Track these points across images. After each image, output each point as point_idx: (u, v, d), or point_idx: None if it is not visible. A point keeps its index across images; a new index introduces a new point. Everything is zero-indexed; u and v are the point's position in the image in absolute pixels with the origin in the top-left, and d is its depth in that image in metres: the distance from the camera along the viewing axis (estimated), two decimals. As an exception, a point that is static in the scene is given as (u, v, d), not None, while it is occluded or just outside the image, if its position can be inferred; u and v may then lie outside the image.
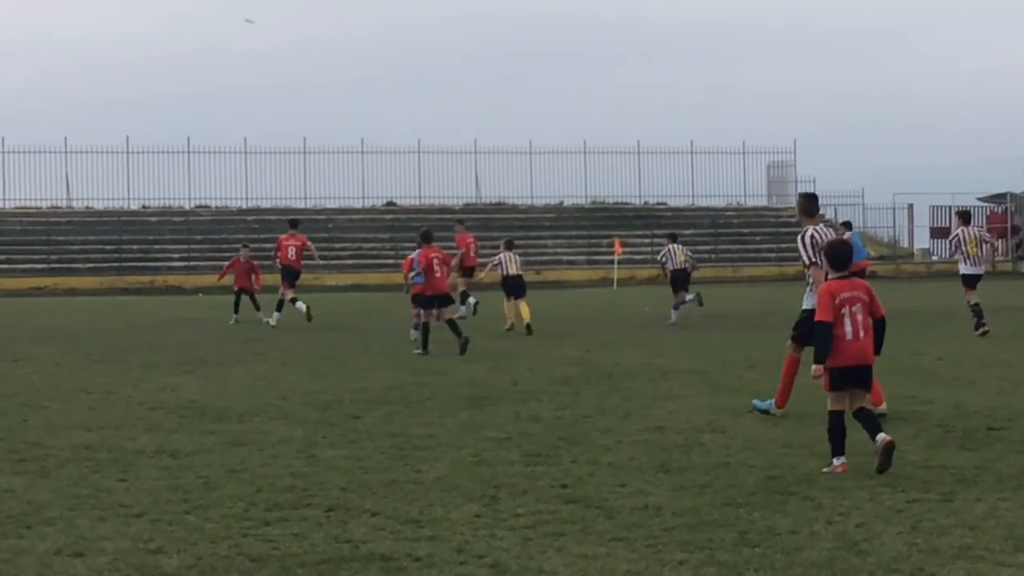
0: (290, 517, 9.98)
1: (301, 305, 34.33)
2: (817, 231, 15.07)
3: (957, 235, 29.56)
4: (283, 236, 37.07)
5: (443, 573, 8.33)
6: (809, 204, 15.73)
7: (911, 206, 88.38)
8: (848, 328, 11.63)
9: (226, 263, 40.38)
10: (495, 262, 35.24)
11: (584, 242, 77.78)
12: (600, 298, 52.72)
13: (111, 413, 16.37)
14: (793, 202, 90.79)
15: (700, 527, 9.40)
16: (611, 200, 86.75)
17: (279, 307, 34.70)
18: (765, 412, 15.31)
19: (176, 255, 74.16)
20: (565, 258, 76.29)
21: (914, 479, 11.07)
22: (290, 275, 35.78)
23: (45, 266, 72.12)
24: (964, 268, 29.24)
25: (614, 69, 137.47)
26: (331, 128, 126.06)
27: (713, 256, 76.95)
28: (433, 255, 25.59)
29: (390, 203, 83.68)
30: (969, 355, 22.40)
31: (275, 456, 12.84)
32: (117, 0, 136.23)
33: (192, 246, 75.25)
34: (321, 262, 45.68)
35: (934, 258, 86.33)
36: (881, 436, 11.38)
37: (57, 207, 79.75)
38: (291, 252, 36.07)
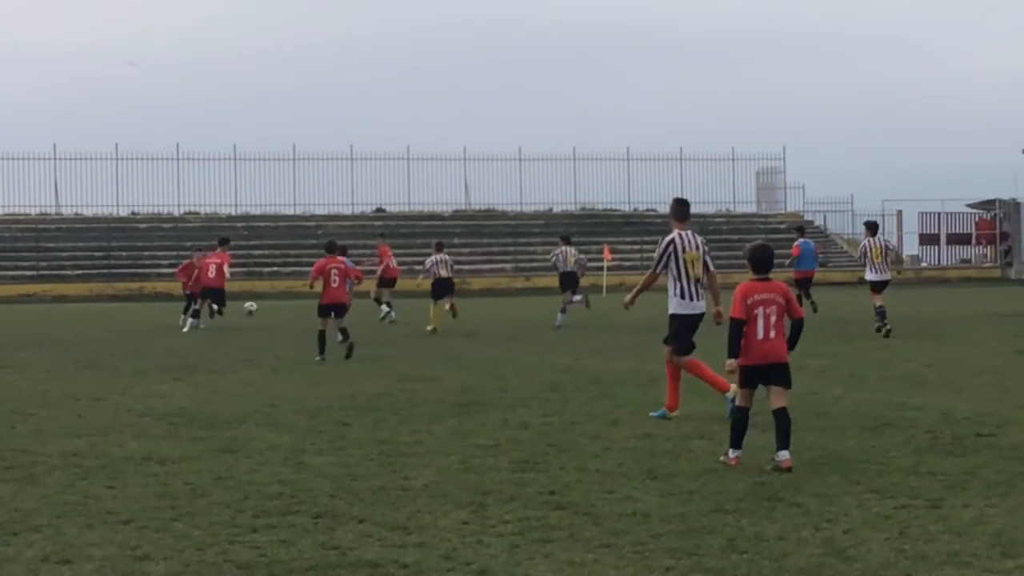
0: (278, 524, 9.96)
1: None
2: (680, 236, 16.09)
3: (864, 244, 32.28)
4: (210, 254, 39.05)
5: (431, 580, 8.32)
6: (680, 209, 16.64)
7: (900, 212, 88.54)
8: (759, 328, 12.18)
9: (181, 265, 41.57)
10: (427, 266, 36.22)
11: (573, 249, 77.77)
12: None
13: (100, 420, 16.34)
14: (783, 209, 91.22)
15: (688, 534, 9.40)
16: (600, 207, 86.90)
17: (194, 312, 37.56)
18: (663, 418, 15.69)
19: (165, 262, 74.04)
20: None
21: (902, 485, 11.08)
22: (208, 294, 37.91)
23: (34, 273, 72.10)
24: (870, 275, 31.79)
25: (603, 76, 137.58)
26: (320, 135, 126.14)
27: (703, 263, 76.81)
28: (331, 265, 26.38)
29: (379, 209, 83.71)
30: (958, 362, 22.43)
31: (263, 463, 12.82)
32: (106, 8, 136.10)
33: (181, 252, 74.99)
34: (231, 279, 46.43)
35: (923, 264, 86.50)
36: (783, 455, 11.90)
37: (46, 214, 79.71)
38: (211, 270, 38.02)
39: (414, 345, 29.01)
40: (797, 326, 12.45)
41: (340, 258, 27.13)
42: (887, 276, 31.78)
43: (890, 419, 15.04)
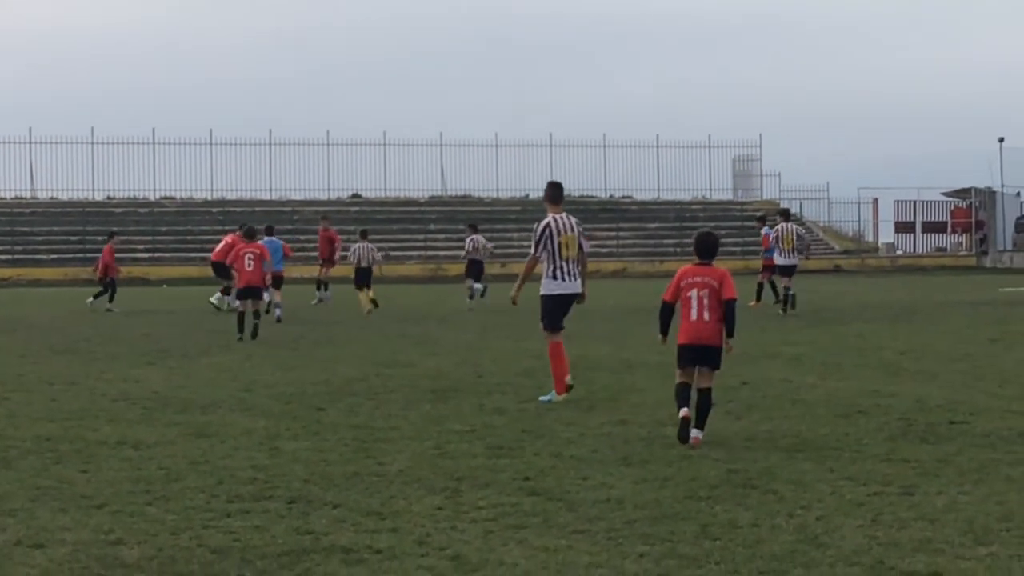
0: (251, 509, 9.95)
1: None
2: (555, 219, 16.36)
3: (778, 230, 34.93)
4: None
5: (404, 565, 8.31)
6: (553, 192, 16.91)
7: (876, 200, 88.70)
8: (692, 310, 12.80)
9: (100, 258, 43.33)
10: (350, 252, 38.51)
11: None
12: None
13: (74, 404, 16.30)
14: (759, 196, 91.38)
15: (662, 520, 9.41)
16: (577, 193, 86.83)
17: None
18: (549, 402, 15.91)
19: (141, 246, 73.91)
20: (531, 251, 76.24)
21: (875, 472, 11.11)
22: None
23: (9, 257, 71.88)
24: (780, 259, 34.52)
25: (580, 63, 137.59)
26: (297, 120, 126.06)
27: (678, 250, 77.03)
28: (247, 250, 27.87)
29: (355, 195, 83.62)
30: (932, 349, 22.48)
31: (237, 448, 12.81)
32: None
33: (157, 237, 75.05)
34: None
35: (898, 252, 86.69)
36: (695, 432, 12.50)
37: (21, 198, 79.43)
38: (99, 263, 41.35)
39: (389, 331, 29.00)
40: (727, 307, 12.80)
41: (259, 243, 28.91)
42: (795, 261, 34.60)
43: (864, 406, 15.07)
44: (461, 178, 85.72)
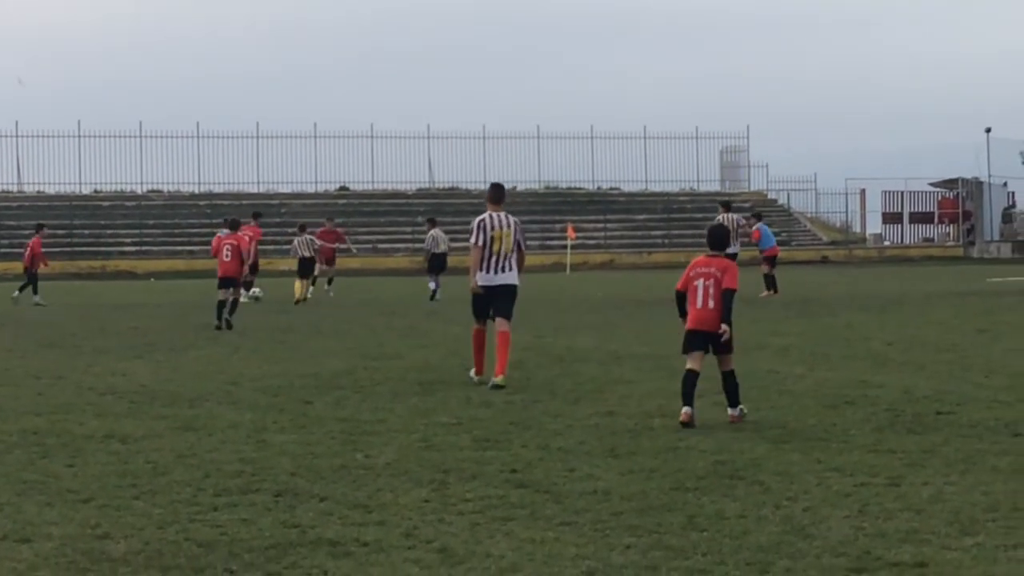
0: (238, 502, 9.94)
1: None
2: (490, 216, 17.38)
3: (718, 220, 34.12)
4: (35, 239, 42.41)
5: (391, 558, 8.31)
6: (494, 193, 18.08)
7: (863, 191, 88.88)
8: (698, 298, 13.50)
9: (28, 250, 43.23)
10: (292, 247, 40.87)
11: (537, 227, 77.78)
12: (553, 283, 52.78)
13: (61, 398, 16.28)
14: (747, 187, 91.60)
15: (648, 511, 9.41)
16: (564, 185, 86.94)
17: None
18: (471, 379, 17.30)
19: (128, 240, 73.84)
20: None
21: (862, 463, 11.11)
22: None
23: (-4, 251, 71.71)
24: (729, 250, 34.57)
25: (567, 55, 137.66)
26: (284, 113, 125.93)
27: (666, 241, 77.13)
28: (226, 242, 29.08)
29: (343, 188, 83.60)
30: (920, 340, 22.51)
31: (224, 441, 12.80)
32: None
33: (144, 231, 74.96)
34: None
35: (886, 243, 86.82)
36: (731, 411, 13.47)
37: (8, 191, 79.33)
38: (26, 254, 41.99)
39: (376, 323, 29.00)
40: (725, 296, 13.41)
41: (238, 234, 30.02)
42: (736, 250, 34.73)
43: (851, 397, 15.09)
44: (449, 170, 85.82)
